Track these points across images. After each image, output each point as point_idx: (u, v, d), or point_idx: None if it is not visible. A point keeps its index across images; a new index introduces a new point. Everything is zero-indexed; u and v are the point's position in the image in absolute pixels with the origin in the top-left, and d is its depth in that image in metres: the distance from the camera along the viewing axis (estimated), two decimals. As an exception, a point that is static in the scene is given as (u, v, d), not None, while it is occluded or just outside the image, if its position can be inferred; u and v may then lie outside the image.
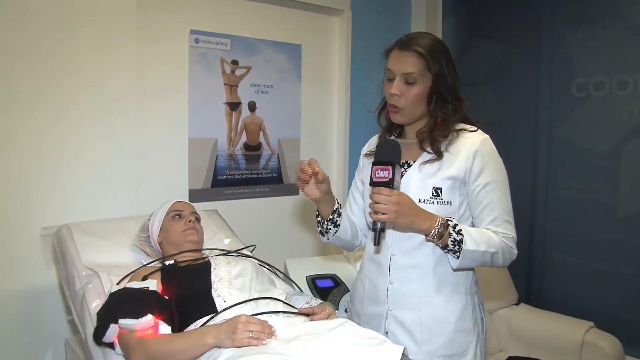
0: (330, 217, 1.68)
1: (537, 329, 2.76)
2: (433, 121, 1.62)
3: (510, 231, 1.58)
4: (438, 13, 3.56)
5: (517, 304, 2.98)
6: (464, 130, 1.62)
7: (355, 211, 1.83)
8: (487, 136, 1.62)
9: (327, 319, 1.58)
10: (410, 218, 1.47)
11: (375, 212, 1.44)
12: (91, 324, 1.73)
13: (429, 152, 1.61)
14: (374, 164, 1.48)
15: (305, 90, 3.15)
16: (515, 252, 1.60)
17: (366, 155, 1.81)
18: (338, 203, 1.70)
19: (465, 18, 3.62)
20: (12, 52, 2.16)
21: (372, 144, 1.82)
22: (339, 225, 1.70)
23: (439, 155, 1.59)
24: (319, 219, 1.71)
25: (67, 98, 2.28)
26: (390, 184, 1.43)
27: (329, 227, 1.70)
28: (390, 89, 1.58)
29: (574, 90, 3.00)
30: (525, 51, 3.24)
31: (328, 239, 1.74)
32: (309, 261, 2.71)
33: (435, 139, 1.60)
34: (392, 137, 1.72)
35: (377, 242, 1.47)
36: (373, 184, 1.46)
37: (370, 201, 1.47)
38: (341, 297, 2.43)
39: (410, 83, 1.57)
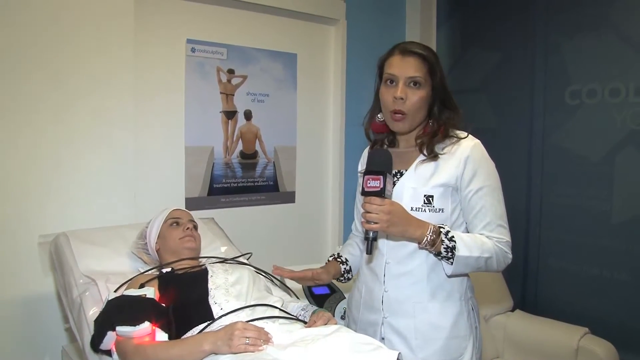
0: (342, 274, 1.83)
1: (532, 335, 2.77)
2: (435, 126, 1.64)
3: (504, 235, 1.58)
4: (432, 21, 3.59)
5: (512, 311, 2.99)
6: (455, 136, 1.64)
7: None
8: (478, 141, 1.63)
9: (326, 323, 1.58)
10: (402, 227, 1.48)
11: (368, 222, 1.45)
12: (88, 331, 1.73)
13: (425, 155, 1.63)
14: (365, 173, 1.48)
15: (301, 98, 3.16)
16: (510, 256, 1.60)
17: (361, 173, 1.82)
18: (339, 262, 1.84)
19: (459, 26, 3.65)
20: (9, 58, 2.16)
21: (365, 159, 1.83)
22: (350, 271, 1.84)
23: (435, 156, 1.60)
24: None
25: (64, 106, 2.29)
26: (381, 193, 1.44)
27: (347, 277, 1.85)
28: (394, 92, 1.58)
29: (567, 97, 3.02)
30: (519, 59, 3.27)
31: (350, 278, 1.87)
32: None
33: (435, 144, 1.62)
34: (384, 146, 1.74)
35: (370, 251, 1.48)
36: (365, 193, 1.47)
37: (363, 210, 1.48)
38: (337, 304, 2.44)
39: (415, 87, 1.58)
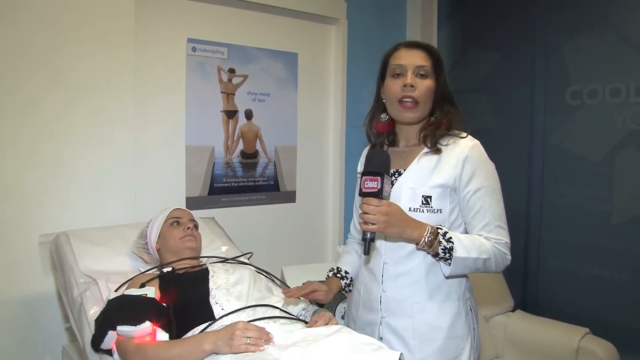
0: (343, 289, 1.82)
1: (533, 335, 2.77)
2: (439, 119, 1.64)
3: (502, 236, 1.58)
4: (433, 21, 3.59)
5: (513, 311, 2.99)
6: (455, 136, 1.64)
7: None
8: (477, 142, 1.63)
9: (327, 324, 1.58)
10: (399, 228, 1.48)
11: (365, 223, 1.45)
12: (89, 331, 1.73)
13: (428, 147, 1.63)
14: (363, 174, 1.48)
15: (302, 98, 3.17)
16: (509, 257, 1.60)
17: (360, 173, 1.82)
18: (339, 277, 1.83)
19: (460, 26, 3.65)
20: (9, 58, 2.17)
21: (364, 159, 1.83)
22: (351, 283, 1.84)
23: (438, 150, 1.61)
24: None
25: (64, 106, 2.29)
26: (379, 194, 1.44)
27: (348, 290, 1.84)
28: (403, 81, 1.59)
29: (568, 98, 3.02)
30: (519, 59, 3.27)
31: (351, 290, 1.86)
32: (306, 268, 2.73)
33: (438, 137, 1.62)
34: (385, 147, 1.74)
35: (367, 251, 1.48)
36: (362, 194, 1.47)
37: (360, 211, 1.48)
38: (337, 304, 2.44)
39: (422, 76, 1.59)
